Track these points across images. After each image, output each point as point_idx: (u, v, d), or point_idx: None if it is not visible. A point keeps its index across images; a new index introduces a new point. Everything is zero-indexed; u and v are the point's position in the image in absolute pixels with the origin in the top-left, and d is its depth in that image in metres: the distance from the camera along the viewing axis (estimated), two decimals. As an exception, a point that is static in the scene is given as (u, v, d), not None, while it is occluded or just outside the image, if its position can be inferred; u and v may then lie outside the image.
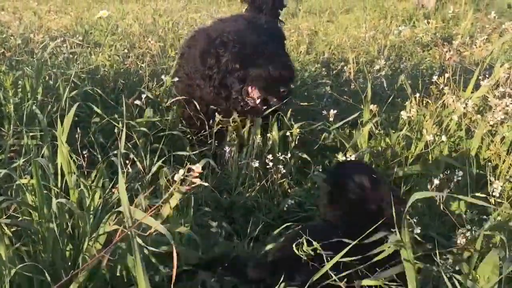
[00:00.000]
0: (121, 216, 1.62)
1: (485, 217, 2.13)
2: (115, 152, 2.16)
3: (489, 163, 2.61)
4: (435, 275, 1.75)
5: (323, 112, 3.00)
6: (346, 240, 1.54)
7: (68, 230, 1.76)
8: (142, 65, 3.88)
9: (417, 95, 2.94)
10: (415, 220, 1.88)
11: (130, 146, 2.43)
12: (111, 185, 1.93)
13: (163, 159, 2.24)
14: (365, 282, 1.53)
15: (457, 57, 4.07)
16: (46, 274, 1.53)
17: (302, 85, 4.00)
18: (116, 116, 2.79)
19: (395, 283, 1.52)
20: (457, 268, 1.73)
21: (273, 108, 2.61)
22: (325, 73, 4.49)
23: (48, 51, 3.55)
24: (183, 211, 2.00)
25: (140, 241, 1.50)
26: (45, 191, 1.69)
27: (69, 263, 1.70)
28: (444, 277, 1.53)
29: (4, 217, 1.71)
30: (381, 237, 1.57)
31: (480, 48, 4.54)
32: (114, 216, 1.68)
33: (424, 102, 2.98)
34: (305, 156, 2.71)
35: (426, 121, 2.78)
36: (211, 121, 2.70)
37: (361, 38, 5.61)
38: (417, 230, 1.80)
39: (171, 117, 2.86)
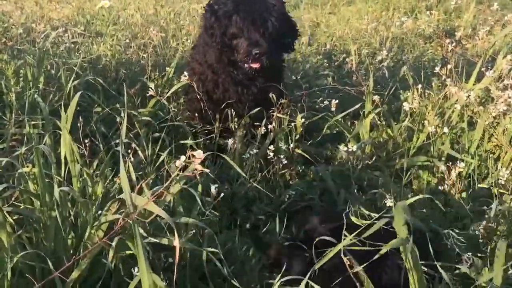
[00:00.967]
0: (123, 206, 1.62)
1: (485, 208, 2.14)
2: (117, 141, 2.16)
3: (491, 155, 2.61)
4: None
5: (325, 102, 2.99)
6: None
7: (70, 218, 1.76)
8: (144, 55, 3.87)
9: (419, 86, 2.93)
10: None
11: (132, 136, 2.43)
12: (113, 173, 1.93)
13: (167, 150, 2.23)
14: None
15: (460, 49, 4.05)
16: (49, 262, 1.54)
17: (303, 76, 3.99)
18: (118, 105, 2.79)
19: None
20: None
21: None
22: (327, 64, 4.47)
23: (50, 41, 3.54)
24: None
25: (142, 231, 1.51)
26: (47, 180, 1.70)
27: (71, 251, 1.71)
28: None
29: (7, 205, 1.71)
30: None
31: (483, 40, 4.52)
32: (116, 204, 1.68)
33: (426, 93, 2.98)
34: (307, 147, 2.70)
35: (428, 112, 2.78)
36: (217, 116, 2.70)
37: (363, 29, 5.56)
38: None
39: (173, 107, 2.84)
